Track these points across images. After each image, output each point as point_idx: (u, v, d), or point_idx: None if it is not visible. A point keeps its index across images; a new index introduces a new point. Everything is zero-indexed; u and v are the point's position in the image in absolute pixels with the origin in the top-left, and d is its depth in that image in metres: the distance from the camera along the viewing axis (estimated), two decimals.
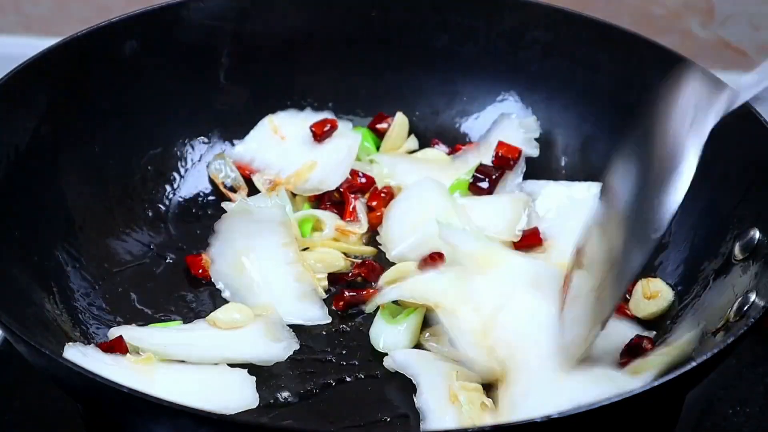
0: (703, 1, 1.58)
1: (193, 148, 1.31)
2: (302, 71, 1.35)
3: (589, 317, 0.96)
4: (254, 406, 1.04)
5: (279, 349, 1.09)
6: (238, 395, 1.04)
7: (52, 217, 1.16)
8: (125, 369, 1.02)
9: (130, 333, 1.07)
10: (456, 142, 1.34)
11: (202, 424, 0.85)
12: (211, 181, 1.30)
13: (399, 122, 1.33)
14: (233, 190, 1.29)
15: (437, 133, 1.35)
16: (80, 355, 1.02)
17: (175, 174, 1.29)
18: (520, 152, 1.27)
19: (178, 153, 1.30)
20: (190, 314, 1.15)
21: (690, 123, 0.89)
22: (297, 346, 1.11)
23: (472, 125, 1.36)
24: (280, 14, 1.33)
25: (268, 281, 1.16)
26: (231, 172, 1.29)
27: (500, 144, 1.27)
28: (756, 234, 1.08)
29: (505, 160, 1.26)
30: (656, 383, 0.88)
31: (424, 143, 1.35)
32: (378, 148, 1.33)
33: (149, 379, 1.02)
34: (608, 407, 0.87)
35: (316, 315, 1.14)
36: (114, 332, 1.08)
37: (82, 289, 1.15)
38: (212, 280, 1.17)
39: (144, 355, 1.05)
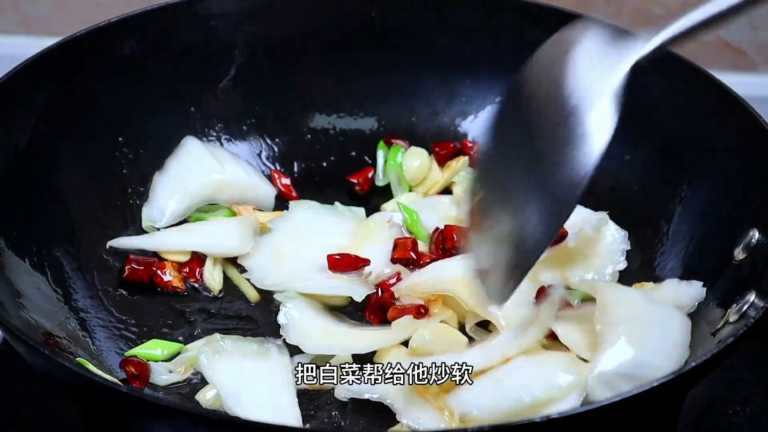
0: (703, 1, 1.57)
1: None
2: (301, 72, 1.35)
3: (505, 271, 0.87)
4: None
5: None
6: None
7: (51, 218, 1.17)
8: None
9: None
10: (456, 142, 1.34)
11: (201, 424, 0.85)
12: None
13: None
14: None
15: (437, 134, 1.35)
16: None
17: None
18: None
19: None
20: (182, 321, 1.15)
21: (597, 73, 0.76)
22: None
23: (471, 126, 1.36)
24: (279, 15, 1.33)
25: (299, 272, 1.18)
26: None
27: None
28: (755, 234, 1.08)
29: None
30: (656, 383, 0.88)
31: (423, 144, 1.35)
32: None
33: None
34: (608, 407, 0.87)
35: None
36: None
37: (82, 289, 1.15)
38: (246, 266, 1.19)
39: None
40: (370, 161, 1.34)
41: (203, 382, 1.06)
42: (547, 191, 0.77)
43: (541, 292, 1.09)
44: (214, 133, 1.32)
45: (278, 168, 1.33)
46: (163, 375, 1.07)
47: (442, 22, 1.34)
